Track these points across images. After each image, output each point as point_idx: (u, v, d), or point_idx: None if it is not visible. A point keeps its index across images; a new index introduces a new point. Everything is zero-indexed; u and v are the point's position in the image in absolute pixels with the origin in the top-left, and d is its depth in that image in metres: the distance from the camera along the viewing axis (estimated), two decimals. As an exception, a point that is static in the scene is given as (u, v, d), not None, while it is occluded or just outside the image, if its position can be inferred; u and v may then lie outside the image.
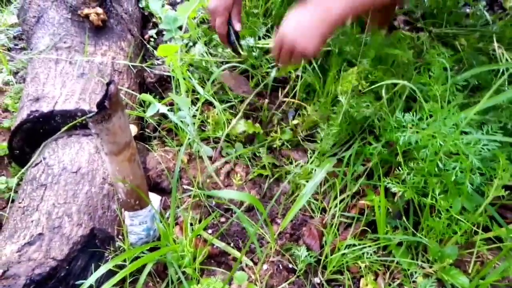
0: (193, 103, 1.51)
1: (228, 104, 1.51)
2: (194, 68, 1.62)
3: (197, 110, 1.45)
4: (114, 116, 0.78)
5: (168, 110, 1.18)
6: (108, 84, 0.77)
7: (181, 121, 1.20)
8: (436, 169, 0.93)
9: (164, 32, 1.53)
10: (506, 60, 1.46)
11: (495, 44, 1.56)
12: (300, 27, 1.05)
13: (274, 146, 1.41)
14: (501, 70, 1.32)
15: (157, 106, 1.15)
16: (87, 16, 1.46)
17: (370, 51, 1.34)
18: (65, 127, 1.24)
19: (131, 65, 1.45)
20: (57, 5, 1.50)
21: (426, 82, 1.13)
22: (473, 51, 1.61)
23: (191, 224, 1.15)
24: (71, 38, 1.43)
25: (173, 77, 1.38)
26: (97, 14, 1.46)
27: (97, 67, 1.38)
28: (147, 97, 1.15)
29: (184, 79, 1.46)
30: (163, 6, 1.74)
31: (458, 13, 1.89)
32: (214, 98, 1.45)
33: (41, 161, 1.17)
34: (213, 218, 1.18)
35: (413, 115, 1.08)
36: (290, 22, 1.07)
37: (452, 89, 1.13)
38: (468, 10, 2.02)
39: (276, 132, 1.43)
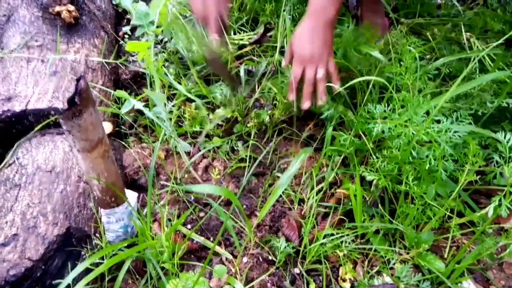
0: (170, 99, 1.51)
1: (205, 100, 1.51)
2: (170, 63, 1.61)
3: (173, 106, 1.45)
4: (85, 112, 0.77)
5: (144, 107, 1.17)
6: (77, 80, 0.76)
7: (157, 116, 1.19)
8: (409, 157, 0.95)
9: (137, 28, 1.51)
10: (477, 48, 1.50)
11: (467, 34, 1.60)
12: (313, 43, 1.17)
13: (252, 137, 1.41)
14: (472, 58, 1.35)
15: (132, 102, 1.14)
16: (58, 14, 1.43)
17: (340, 43, 1.36)
18: (38, 126, 1.22)
19: (105, 62, 1.43)
20: (27, 3, 1.47)
21: (397, 72, 1.15)
22: (445, 40, 1.64)
23: (170, 220, 1.15)
24: (43, 36, 1.40)
25: (148, 73, 1.37)
26: (69, 11, 1.44)
27: (70, 65, 1.36)
28: (122, 93, 1.14)
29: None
30: (136, 1, 1.72)
31: (430, 4, 1.92)
32: (191, 93, 1.45)
33: (14, 161, 1.14)
34: (191, 213, 1.18)
35: (385, 106, 1.10)
36: (303, 42, 1.19)
37: (424, 78, 1.15)
38: (439, 1, 2.05)
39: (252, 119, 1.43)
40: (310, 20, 1.19)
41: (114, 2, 1.90)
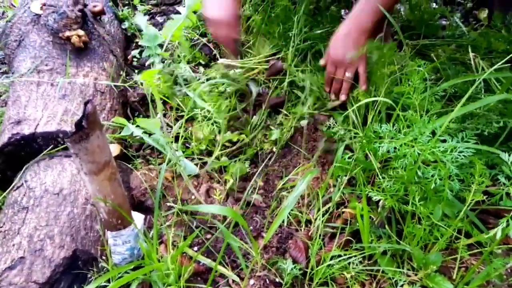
0: (177, 120, 1.52)
1: (212, 120, 1.52)
2: (179, 84, 1.64)
3: (180, 127, 1.46)
4: (92, 135, 0.78)
5: (143, 133, 1.18)
6: (85, 104, 0.77)
7: (157, 142, 1.20)
8: (415, 177, 0.95)
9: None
10: (482, 68, 1.50)
11: (471, 54, 1.61)
12: (345, 47, 1.31)
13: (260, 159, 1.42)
14: (477, 79, 1.36)
15: (130, 129, 1.15)
16: (68, 39, 1.47)
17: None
18: (47, 150, 1.24)
19: (114, 85, 1.46)
20: (38, 28, 1.51)
21: (405, 91, 1.16)
22: (450, 61, 1.65)
23: (175, 242, 1.15)
24: (53, 60, 1.44)
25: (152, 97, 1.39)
26: (79, 36, 1.47)
27: (79, 88, 1.38)
28: (120, 120, 1.16)
29: (167, 97, 1.47)
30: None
31: (435, 25, 1.94)
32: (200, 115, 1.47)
33: (22, 184, 1.16)
34: (198, 235, 1.17)
35: (392, 125, 1.10)
36: (337, 45, 1.35)
37: (431, 99, 1.16)
38: (444, 22, 2.07)
39: (260, 142, 1.45)
40: (347, 26, 1.32)
41: (123, 27, 1.95)
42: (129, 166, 1.34)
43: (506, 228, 0.83)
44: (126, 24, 1.94)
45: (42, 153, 1.23)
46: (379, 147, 1.01)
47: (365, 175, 1.21)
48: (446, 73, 1.53)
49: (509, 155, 0.84)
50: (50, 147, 1.25)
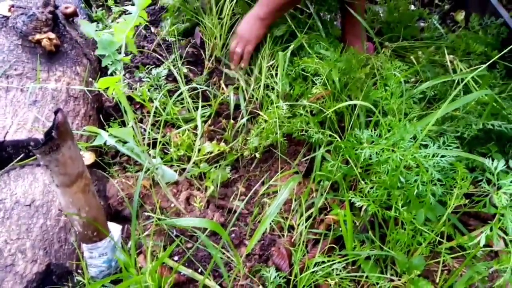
0: (154, 125, 1.48)
1: (192, 124, 1.49)
2: (154, 89, 1.60)
3: (158, 132, 1.43)
4: (63, 146, 0.74)
5: (117, 142, 1.13)
6: (55, 113, 0.73)
7: (132, 151, 1.16)
8: (398, 183, 0.94)
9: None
10: (461, 70, 1.51)
11: (450, 56, 1.62)
12: (245, 28, 1.59)
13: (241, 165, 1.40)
14: (456, 81, 1.36)
15: (104, 138, 1.11)
16: (39, 42, 1.41)
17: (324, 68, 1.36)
18: (17, 159, 1.18)
19: (87, 90, 1.41)
20: (6, 31, 1.44)
21: (383, 97, 1.15)
22: (429, 63, 1.66)
23: (154, 253, 1.11)
24: (22, 65, 1.38)
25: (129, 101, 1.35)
26: (50, 39, 1.42)
27: (51, 94, 1.33)
28: (92, 128, 1.11)
29: (144, 101, 1.43)
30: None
31: (414, 27, 1.95)
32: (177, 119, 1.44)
33: (-9, 195, 1.10)
34: (178, 245, 1.14)
35: (371, 130, 1.09)
36: (240, 25, 1.61)
37: (409, 102, 1.15)
38: (422, 24, 2.09)
39: (241, 149, 1.42)
40: (250, 11, 1.59)
41: (97, 29, 1.89)
42: (105, 174, 1.29)
43: (489, 235, 0.82)
44: (100, 26, 1.88)
45: (12, 163, 1.18)
46: (360, 153, 0.99)
47: (347, 180, 1.20)
48: (425, 76, 1.54)
49: (492, 161, 0.84)
50: (21, 156, 1.19)
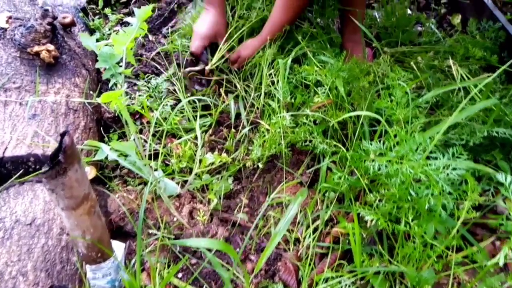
0: (154, 135, 1.46)
1: (192, 134, 1.47)
2: (154, 99, 1.58)
3: (159, 143, 1.41)
4: (70, 169, 0.72)
5: (119, 156, 1.11)
6: (62, 135, 0.71)
7: (134, 164, 1.14)
8: (408, 196, 0.93)
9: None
10: (461, 76, 1.51)
11: (450, 61, 1.61)
12: (245, 47, 1.65)
13: (244, 175, 1.38)
14: (459, 88, 1.36)
15: (105, 152, 1.09)
16: (37, 54, 1.39)
17: (327, 77, 1.35)
18: (17, 175, 1.15)
19: (87, 102, 1.39)
20: (3, 43, 1.41)
21: (388, 106, 1.14)
22: (429, 68, 1.65)
23: (157, 269, 1.09)
24: (21, 77, 1.35)
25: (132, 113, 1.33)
26: (48, 51, 1.39)
27: (50, 107, 1.30)
28: (93, 142, 1.09)
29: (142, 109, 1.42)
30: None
31: (411, 32, 1.95)
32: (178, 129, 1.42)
33: (-9, 214, 1.08)
34: (183, 263, 1.12)
35: (377, 141, 1.08)
36: (244, 45, 1.66)
37: (415, 112, 1.14)
38: (420, 29, 2.08)
39: (243, 159, 1.41)
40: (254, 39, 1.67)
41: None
42: (106, 189, 1.27)
43: (507, 256, 0.81)
44: (97, 35, 1.85)
45: (12, 179, 1.15)
46: (369, 165, 0.98)
47: (353, 192, 1.19)
48: (426, 82, 1.53)
49: (504, 175, 0.83)
50: (20, 172, 1.17)
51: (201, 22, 1.68)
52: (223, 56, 1.66)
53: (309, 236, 1.12)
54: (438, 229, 0.96)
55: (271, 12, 1.62)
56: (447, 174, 0.90)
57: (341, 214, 1.17)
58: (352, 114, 1.16)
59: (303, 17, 1.89)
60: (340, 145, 1.26)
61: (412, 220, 0.95)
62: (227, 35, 1.67)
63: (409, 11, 2.17)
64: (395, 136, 0.99)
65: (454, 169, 0.91)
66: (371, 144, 1.07)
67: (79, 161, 0.74)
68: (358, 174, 1.10)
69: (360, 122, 1.18)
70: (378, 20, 2.08)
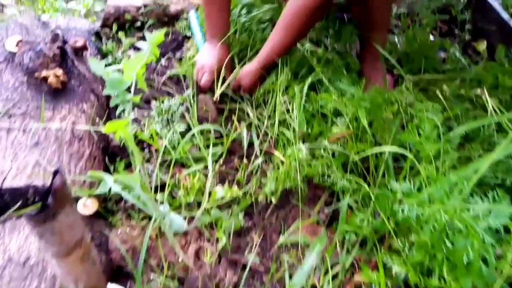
0: (162, 165, 1.39)
1: (202, 163, 1.39)
2: (164, 126, 1.51)
3: (167, 172, 1.33)
4: (60, 213, 0.64)
5: (123, 189, 1.03)
6: (54, 174, 0.63)
7: (138, 198, 1.06)
8: (443, 247, 0.82)
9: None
10: (492, 108, 1.40)
11: (478, 90, 1.51)
12: (243, 75, 1.58)
13: (255, 211, 1.28)
14: (492, 122, 1.26)
15: (108, 184, 1.01)
16: (45, 79, 1.34)
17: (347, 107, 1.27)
18: (14, 207, 1.08)
19: (93, 130, 1.32)
20: (12, 67, 1.37)
21: (416, 142, 1.04)
22: (456, 98, 1.56)
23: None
24: (27, 103, 1.30)
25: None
26: (57, 76, 1.34)
27: (54, 134, 1.24)
28: (96, 174, 1.02)
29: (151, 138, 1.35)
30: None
31: (434, 58, 1.86)
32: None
33: (-17, 250, 1.00)
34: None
35: (404, 179, 0.98)
36: (242, 72, 1.59)
37: (446, 147, 1.04)
38: (443, 55, 1.99)
39: (255, 192, 1.31)
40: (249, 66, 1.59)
41: (107, 62, 1.82)
42: (108, 223, 1.19)
43: None
44: (110, 59, 1.81)
45: (9, 212, 1.08)
46: (398, 209, 0.88)
47: (377, 234, 1.08)
48: (454, 112, 1.43)
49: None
50: (18, 204, 1.09)
51: (206, 54, 1.62)
52: (229, 85, 1.61)
53: (328, 283, 1.01)
54: (477, 284, 0.84)
55: (270, 35, 1.52)
56: (489, 222, 0.80)
57: (363, 260, 1.06)
58: (377, 150, 1.06)
59: (317, 41, 1.83)
60: (361, 182, 1.17)
61: (447, 273, 0.83)
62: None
63: (431, 37, 2.09)
64: (427, 177, 0.89)
65: (496, 215, 0.80)
66: (397, 182, 0.97)
67: (72, 204, 0.66)
68: (383, 216, 0.99)
69: (385, 157, 1.08)
70: (399, 46, 2.00)
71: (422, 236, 0.89)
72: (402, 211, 0.88)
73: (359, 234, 1.06)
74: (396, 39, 2.02)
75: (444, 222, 0.83)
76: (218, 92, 1.58)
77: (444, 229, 0.84)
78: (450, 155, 1.03)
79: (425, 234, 0.88)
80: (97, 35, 1.87)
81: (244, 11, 1.83)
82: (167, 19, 2.09)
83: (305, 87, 1.44)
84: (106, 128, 1.07)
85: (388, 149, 1.05)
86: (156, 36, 1.16)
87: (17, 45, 1.41)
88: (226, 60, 1.61)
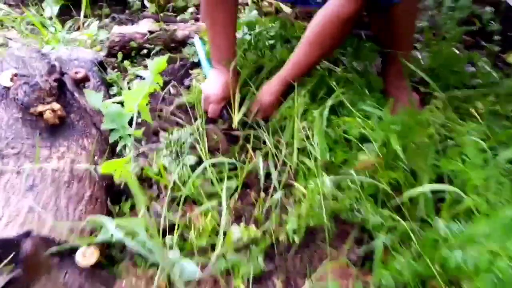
0: (172, 202, 1.26)
1: (215, 199, 1.25)
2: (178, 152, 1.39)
3: (177, 210, 1.20)
4: (34, 285, 0.51)
5: (126, 235, 0.91)
6: (24, 236, 0.51)
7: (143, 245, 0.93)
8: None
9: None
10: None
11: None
12: (264, 94, 1.47)
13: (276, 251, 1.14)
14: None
15: (109, 231, 0.89)
16: (41, 114, 1.23)
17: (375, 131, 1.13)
18: (6, 260, 0.96)
19: (94, 169, 1.20)
20: (6, 103, 1.28)
21: (461, 170, 0.89)
22: (492, 115, 1.40)
23: None
24: (21, 141, 1.19)
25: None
26: (53, 110, 1.24)
27: (51, 176, 1.13)
28: (95, 220, 0.90)
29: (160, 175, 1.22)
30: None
31: (463, 73, 1.71)
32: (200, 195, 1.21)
33: (-33, 314, 0.87)
34: None
35: (450, 217, 0.83)
36: (261, 91, 1.49)
37: (496, 176, 0.89)
38: (471, 69, 1.85)
39: (275, 230, 1.17)
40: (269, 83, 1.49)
41: (111, 92, 1.73)
42: (112, 273, 1.05)
43: None
44: (114, 90, 1.72)
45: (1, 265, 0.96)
46: (448, 255, 0.73)
47: (419, 278, 0.92)
48: (493, 132, 1.27)
49: None
50: (10, 257, 0.97)
51: (213, 83, 1.53)
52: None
53: None
54: None
55: (294, 50, 1.40)
56: None
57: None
58: (428, 189, 0.91)
59: (334, 60, 1.71)
60: (396, 216, 1.02)
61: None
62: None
63: (456, 51, 1.95)
64: (485, 215, 0.74)
65: None
66: (440, 218, 0.82)
67: (49, 271, 0.53)
68: (427, 259, 0.84)
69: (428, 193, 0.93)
70: (422, 61, 1.86)
71: (478, 284, 0.74)
72: (455, 258, 0.72)
73: (399, 280, 0.90)
74: (419, 54, 1.89)
75: (507, 270, 0.68)
76: (236, 119, 1.47)
77: (508, 280, 0.69)
78: (503, 185, 0.88)
79: (483, 283, 0.73)
80: (101, 64, 1.78)
81: (246, 29, 1.76)
82: (174, 44, 2.00)
83: (326, 111, 1.31)
84: (103, 168, 0.96)
85: (441, 187, 0.90)
86: (158, 62, 1.05)
87: (11, 79, 1.32)
88: (236, 86, 1.51)
